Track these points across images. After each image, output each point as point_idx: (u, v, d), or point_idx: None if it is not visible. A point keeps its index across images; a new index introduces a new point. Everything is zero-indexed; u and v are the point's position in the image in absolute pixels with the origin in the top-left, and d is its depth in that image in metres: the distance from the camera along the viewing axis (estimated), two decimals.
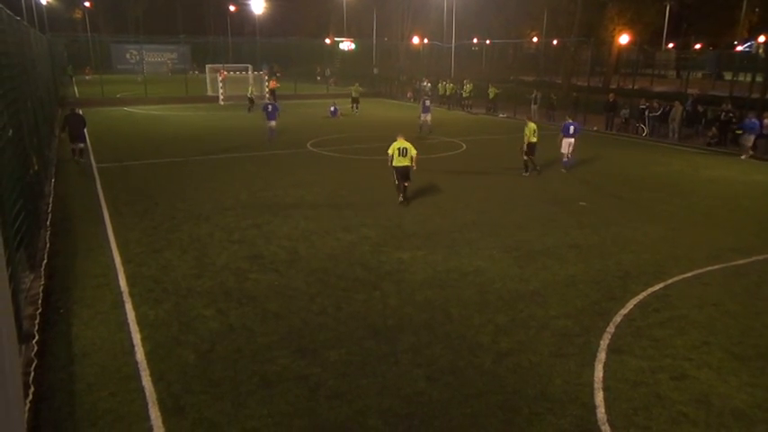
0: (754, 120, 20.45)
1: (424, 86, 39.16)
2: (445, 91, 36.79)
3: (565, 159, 17.47)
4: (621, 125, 26.96)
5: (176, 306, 8.40)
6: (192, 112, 33.52)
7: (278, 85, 38.14)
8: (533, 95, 31.30)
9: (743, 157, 20.14)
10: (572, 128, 17.69)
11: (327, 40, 60.59)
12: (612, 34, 42.77)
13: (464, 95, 35.17)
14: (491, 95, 33.84)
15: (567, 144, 17.69)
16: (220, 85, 38.08)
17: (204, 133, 24.92)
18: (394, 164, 13.20)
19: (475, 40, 54.32)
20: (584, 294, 8.95)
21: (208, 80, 41.12)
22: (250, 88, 32.05)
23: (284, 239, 11.05)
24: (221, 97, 38.20)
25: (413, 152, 13.18)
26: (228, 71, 40.02)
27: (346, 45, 58.40)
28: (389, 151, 13.26)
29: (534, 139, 16.40)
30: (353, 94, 32.38)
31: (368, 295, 8.76)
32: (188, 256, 10.24)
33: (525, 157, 16.45)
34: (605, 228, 12.16)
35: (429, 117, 25.06)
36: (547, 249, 10.75)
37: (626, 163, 19.53)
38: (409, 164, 13.19)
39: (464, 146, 21.98)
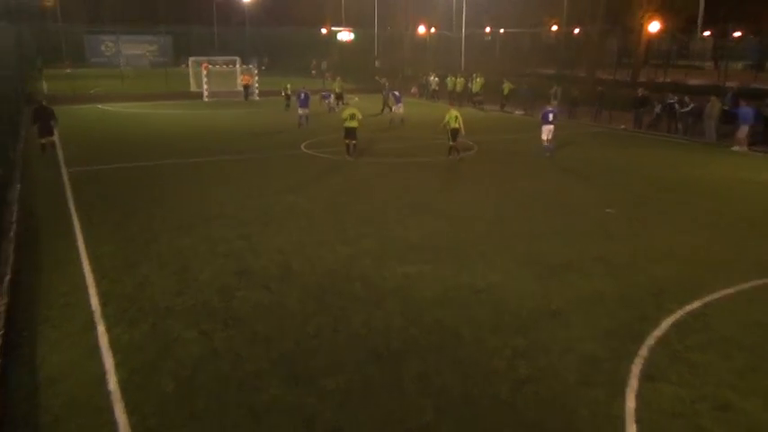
0: (746, 108, 21.31)
1: (431, 81, 39.31)
2: (454, 86, 36.90)
3: (546, 145, 19.98)
4: (652, 123, 26.94)
5: (154, 328, 8.34)
6: (173, 109, 33.70)
7: (252, 80, 38.49)
8: (553, 90, 31.35)
9: (735, 148, 21.23)
10: (551, 115, 20.11)
11: (324, 30, 60.85)
12: (641, 21, 42.78)
13: (474, 91, 35.25)
14: (505, 91, 33.89)
15: (546, 131, 20.11)
16: (204, 79, 38.28)
17: (187, 133, 25.00)
18: (345, 125, 19.10)
19: (487, 30, 54.55)
20: (612, 314, 8.87)
21: (191, 74, 41.36)
22: (288, 85, 32.47)
23: (275, 252, 11.03)
24: (205, 93, 38.40)
25: (360, 116, 19.19)
26: (213, 64, 40.26)
27: (345, 35, 58.69)
28: (343, 115, 19.20)
29: (456, 126, 18.79)
30: (336, 90, 32.53)
31: (369, 315, 8.71)
32: (167, 271, 10.20)
33: (451, 143, 18.97)
34: (635, 237, 12.10)
35: (401, 108, 27.41)
36: (569, 263, 10.69)
37: (657, 165, 19.51)
38: (356, 125, 19.04)
39: (475, 147, 22.02)
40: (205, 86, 38.30)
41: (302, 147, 21.61)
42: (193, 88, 40.58)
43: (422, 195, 15.00)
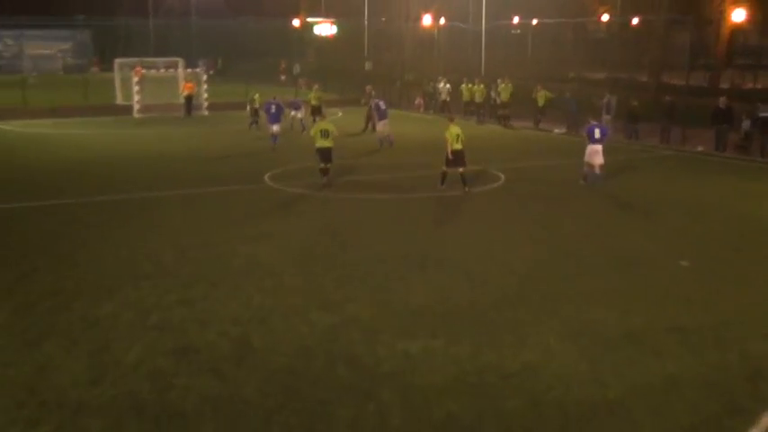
0: None
1: (440, 89, 39.98)
2: (472, 96, 37.54)
3: (593, 172, 20.55)
4: (739, 143, 27.26)
5: (60, 430, 8.25)
6: (93, 129, 34.10)
7: (194, 90, 39.10)
8: (604, 101, 31.87)
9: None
10: (597, 131, 20.48)
11: (296, 22, 62.11)
12: (721, 9, 43.65)
13: (499, 102, 35.85)
14: (540, 102, 34.50)
15: (593, 153, 20.49)
16: (136, 88, 38.79)
17: (111, 162, 25.20)
18: (317, 146, 20.34)
19: (516, 20, 55.75)
20: (692, 405, 8.82)
21: (117, 82, 41.99)
22: (256, 95, 32.77)
23: (229, 323, 10.99)
24: (136, 107, 38.87)
25: (336, 134, 20.58)
26: (148, 68, 40.89)
27: (324, 29, 59.91)
28: (312, 132, 20.68)
29: (458, 146, 19.42)
30: (313, 102, 32.99)
31: (358, 410, 8.63)
32: (80, 349, 10.13)
33: (444, 168, 19.73)
34: (721, 301, 12.11)
35: (386, 125, 28.41)
36: (632, 334, 10.67)
37: (747, 200, 19.68)
38: (332, 145, 20.32)
39: (502, 177, 22.23)
40: (136, 98, 38.83)
41: (266, 178, 21.78)
42: (121, 100, 41.16)
43: (427, 243, 15.06)
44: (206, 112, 39.96)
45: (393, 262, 13.78)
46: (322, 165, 20.49)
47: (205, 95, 40.60)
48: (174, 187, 20.69)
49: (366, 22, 56.27)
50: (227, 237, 15.45)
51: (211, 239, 15.24)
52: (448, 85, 39.76)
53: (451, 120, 20.63)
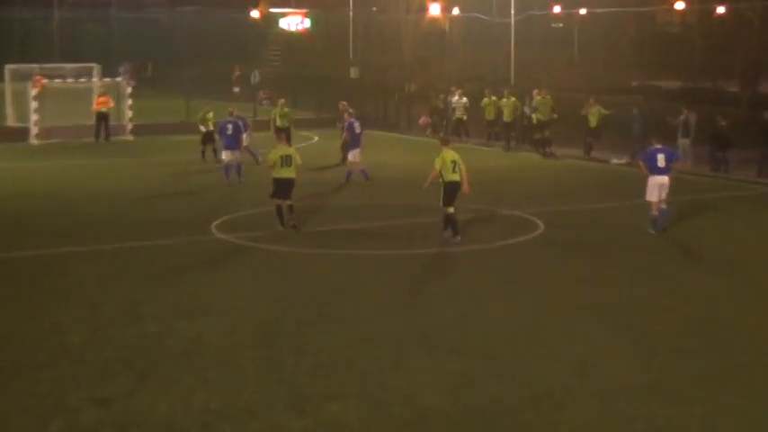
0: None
1: (455, 103, 40.32)
2: (498, 113, 37.86)
3: (655, 211, 21.01)
4: None
5: None
6: None
7: (111, 105, 39.32)
8: (681, 118, 32.14)
9: None
10: (661, 157, 20.78)
11: (256, 14, 62.75)
12: None
13: (536, 121, 36.11)
14: (592, 121, 34.76)
15: (657, 187, 20.87)
16: (34, 105, 38.97)
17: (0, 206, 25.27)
18: (275, 176, 21.44)
19: (557, 10, 56.39)
20: None
21: (8, 96, 42.25)
22: (210, 114, 32.70)
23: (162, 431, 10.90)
24: (34, 131, 39.00)
25: (299, 162, 21.81)
26: (50, 77, 41.12)
27: (293, 22, 60.45)
28: (270, 158, 21.87)
29: (455, 177, 20.20)
30: (278, 123, 33.16)
31: None
32: None
33: (449, 209, 20.33)
34: None
35: (358, 155, 29.13)
36: None
37: None
38: (294, 176, 21.47)
39: (540, 225, 22.37)
40: (35, 118, 39.02)
41: (212, 228, 21.90)
42: (13, 121, 41.38)
43: (433, 316, 15.06)
44: (130, 137, 40.23)
45: (387, 343, 13.71)
46: (278, 201, 21.47)
47: (129, 114, 40.82)
48: (88, 241, 20.72)
49: (351, 14, 56.79)
50: (160, 308, 15.39)
51: (138, 312, 15.18)
52: (464, 99, 40.15)
53: (445, 142, 21.46)
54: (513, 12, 46.27)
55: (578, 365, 12.97)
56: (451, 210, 20.42)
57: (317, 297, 16.19)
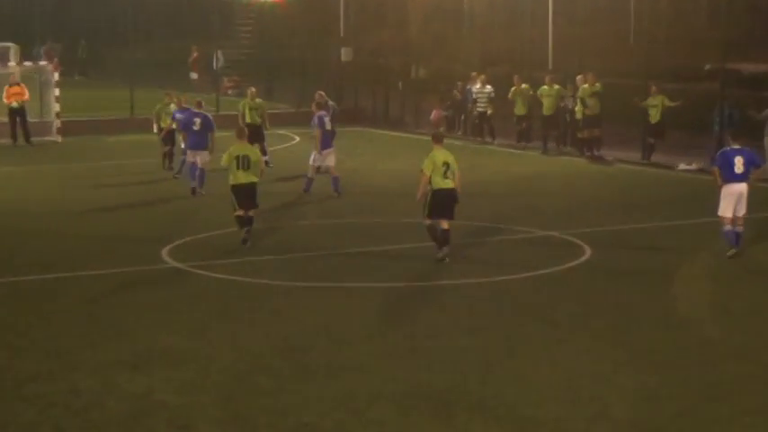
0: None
1: (476, 92, 40.22)
2: (530, 105, 37.88)
3: (728, 228, 21.17)
4: None
5: None
6: None
7: (26, 98, 39.24)
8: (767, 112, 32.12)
9: None
10: (739, 160, 20.63)
11: None
12: None
13: (580, 116, 36.09)
14: (654, 115, 34.69)
15: (732, 197, 20.82)
16: None
17: None
18: (231, 182, 22.44)
19: None
20: None
21: None
22: (171, 104, 32.68)
23: None
24: None
25: (261, 164, 23.42)
26: None
27: None
28: (224, 161, 22.75)
29: (447, 184, 20.87)
30: (248, 119, 33.24)
31: None
32: None
33: (427, 221, 21.12)
34: None
35: (331, 158, 29.48)
36: None
37: None
38: (256, 180, 22.50)
39: (586, 249, 22.45)
40: None
41: (164, 254, 21.96)
42: None
43: (442, 367, 14.98)
44: (58, 138, 40.25)
45: (386, 402, 13.70)
46: (239, 213, 22.22)
47: (56, 108, 40.77)
48: (5, 271, 20.75)
49: None
50: (98, 357, 15.36)
51: (69, 361, 15.17)
52: (488, 88, 40.02)
53: (438, 139, 21.82)
54: None
55: (634, 427, 13.01)
56: (446, 226, 20.98)
57: (298, 342, 16.16)
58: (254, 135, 31.93)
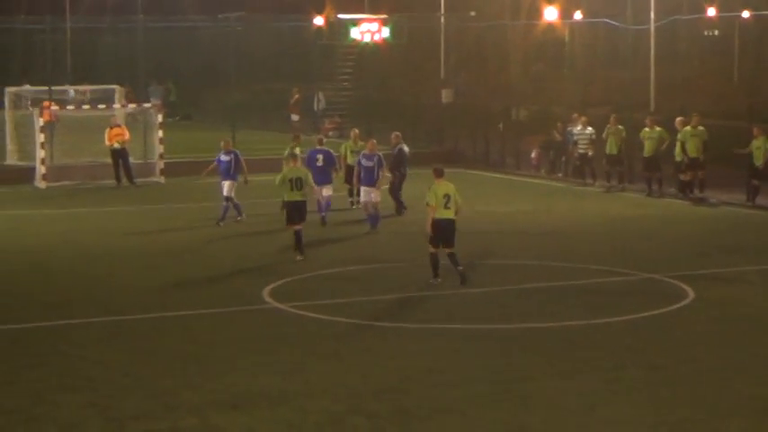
0: None
1: (577, 134, 40.05)
2: (617, 146, 37.63)
3: None
4: None
5: None
6: None
7: (127, 138, 39.50)
8: None
9: None
10: None
11: (319, 20, 63.59)
12: None
13: (679, 158, 35.71)
14: (758, 157, 34.19)
15: None
16: (40, 137, 39.57)
17: None
18: (286, 199, 25.80)
19: (711, 13, 56.08)
20: None
21: (9, 127, 43.29)
22: (293, 149, 33.34)
23: None
24: (41, 171, 39.63)
25: (311, 182, 26.56)
26: (62, 103, 41.84)
27: (368, 31, 60.90)
28: (278, 180, 26.29)
29: (447, 214, 22.48)
30: (349, 160, 33.64)
31: None
32: None
33: (431, 249, 22.73)
34: None
35: (375, 195, 30.60)
36: None
37: None
38: (306, 199, 26.11)
39: (689, 292, 22.22)
40: (42, 155, 39.57)
41: (264, 294, 22.15)
42: (14, 159, 42.19)
43: (539, 410, 14.88)
44: (161, 179, 40.62)
45: None
46: (293, 225, 25.67)
47: (160, 150, 41.08)
48: (106, 310, 21.06)
49: (443, 21, 57.03)
50: (198, 397, 15.49)
51: (170, 401, 15.30)
52: (589, 129, 39.78)
53: (439, 174, 23.35)
54: (652, 16, 45.99)
55: None
56: (450, 250, 22.59)
57: (395, 384, 16.17)
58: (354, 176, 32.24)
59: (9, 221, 32.55)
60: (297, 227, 25.53)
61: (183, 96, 68.66)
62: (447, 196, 22.45)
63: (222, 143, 31.47)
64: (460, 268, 22.59)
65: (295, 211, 25.63)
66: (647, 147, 36.72)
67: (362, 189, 30.42)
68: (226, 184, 30.23)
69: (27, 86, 45.97)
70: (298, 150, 32.82)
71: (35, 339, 19.08)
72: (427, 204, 22.65)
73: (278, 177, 26.16)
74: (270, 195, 32.53)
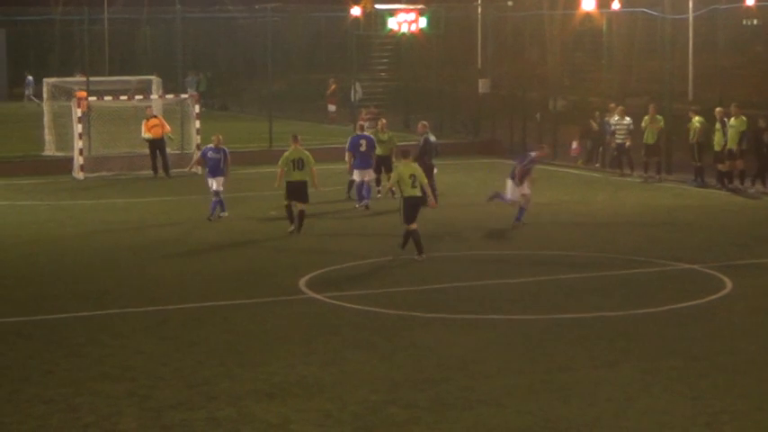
0: None
1: (614, 124, 39.79)
2: (654, 136, 37.53)
3: None
4: None
5: None
6: (1, 201, 35.14)
7: (167, 129, 39.60)
8: None
9: None
10: None
11: (356, 11, 63.50)
12: None
13: (718, 148, 35.39)
14: None
15: None
16: (78, 128, 39.69)
17: (35, 257, 26.16)
18: (287, 179, 27.45)
19: (750, 2, 55.69)
20: None
21: (47, 118, 43.54)
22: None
23: None
24: (79, 162, 39.77)
25: (311, 163, 27.76)
26: (99, 94, 41.89)
27: (405, 21, 60.77)
28: (281, 160, 27.84)
29: (415, 192, 24.32)
30: (378, 151, 33.63)
31: None
32: None
33: (410, 226, 24.21)
34: None
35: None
36: None
37: None
38: (307, 179, 27.50)
39: (726, 282, 22.13)
40: (79, 146, 39.73)
41: (301, 284, 22.22)
42: (52, 150, 42.43)
43: (582, 402, 14.81)
44: (198, 170, 40.66)
45: None
46: (290, 202, 27.47)
47: (197, 141, 41.04)
48: (145, 301, 21.22)
49: (480, 11, 56.89)
50: (236, 387, 15.56)
51: (208, 391, 15.38)
52: (627, 119, 39.47)
53: (405, 154, 25.83)
54: (691, 5, 45.71)
55: None
56: (414, 227, 24.03)
57: (433, 375, 16.18)
58: (383, 166, 32.33)
59: (47, 212, 32.75)
60: (290, 203, 27.27)
61: (215, 87, 68.68)
62: (413, 176, 24.22)
63: (213, 139, 31.07)
64: (405, 247, 24.26)
65: (295, 191, 27.20)
66: (693, 134, 36.22)
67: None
68: (215, 181, 29.90)
69: (65, 78, 46.01)
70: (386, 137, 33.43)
71: (73, 329, 19.21)
72: (388, 181, 25.85)
73: (283, 157, 27.73)
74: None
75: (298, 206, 27.27)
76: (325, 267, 23.89)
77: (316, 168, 28.10)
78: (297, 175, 27.29)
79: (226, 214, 30.19)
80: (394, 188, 25.45)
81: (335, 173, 34.31)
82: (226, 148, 31.00)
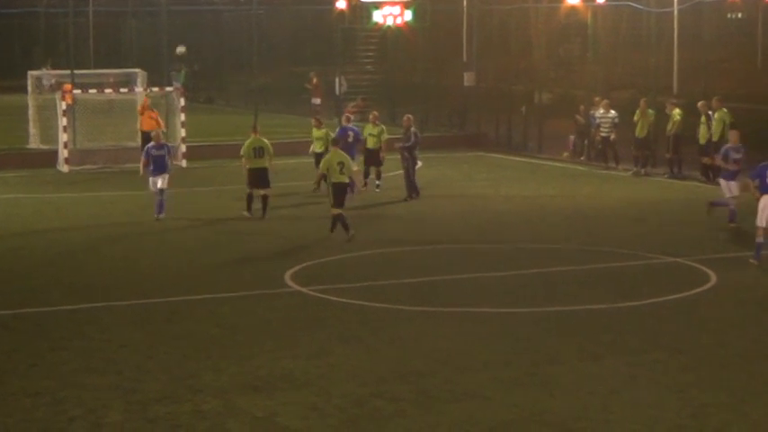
0: None
1: (599, 117, 39.77)
2: (645, 129, 37.53)
3: (759, 239, 22.86)
4: None
5: None
6: None
7: (160, 125, 39.05)
8: None
9: None
10: None
11: (342, 3, 63.41)
12: None
13: (702, 141, 35.48)
14: None
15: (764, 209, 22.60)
16: (63, 122, 39.59)
17: (21, 251, 26.22)
18: (249, 166, 29.39)
19: None
20: None
21: (31, 111, 43.52)
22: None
23: None
24: (64, 154, 39.68)
25: (270, 151, 29.78)
26: (83, 87, 41.79)
27: (390, 14, 60.71)
28: (243, 149, 29.60)
29: (342, 179, 26.07)
30: (369, 144, 33.94)
31: None
32: None
33: (336, 210, 25.89)
34: None
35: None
36: None
37: None
38: (267, 166, 29.30)
39: (712, 277, 22.19)
40: (64, 139, 39.69)
41: (286, 278, 22.24)
42: (37, 143, 42.37)
43: (565, 394, 14.85)
44: (183, 163, 40.58)
45: (516, 431, 13.66)
46: (251, 190, 29.07)
47: (182, 134, 40.94)
48: (130, 294, 21.21)
49: (465, 3, 56.85)
50: (221, 380, 15.58)
51: (193, 384, 15.40)
52: (613, 112, 39.53)
53: (335, 142, 28.16)
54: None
55: None
56: (339, 211, 25.73)
57: (419, 368, 16.22)
58: (372, 159, 32.33)
59: (32, 205, 32.80)
60: (252, 191, 29.00)
61: (200, 80, 68.74)
62: (341, 164, 25.91)
63: (153, 135, 30.77)
64: (350, 233, 25.62)
65: (256, 177, 29.04)
66: (671, 126, 36.28)
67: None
68: (160, 178, 29.15)
69: (49, 70, 45.88)
70: (320, 133, 33.05)
71: (59, 323, 19.25)
72: (319, 169, 27.24)
73: (245, 145, 29.56)
74: (296, 179, 32.78)
75: (260, 192, 29.04)
76: (311, 261, 23.89)
77: (273, 154, 29.95)
78: (258, 162, 29.13)
79: (163, 216, 29.24)
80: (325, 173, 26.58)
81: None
82: (168, 144, 31.60)
